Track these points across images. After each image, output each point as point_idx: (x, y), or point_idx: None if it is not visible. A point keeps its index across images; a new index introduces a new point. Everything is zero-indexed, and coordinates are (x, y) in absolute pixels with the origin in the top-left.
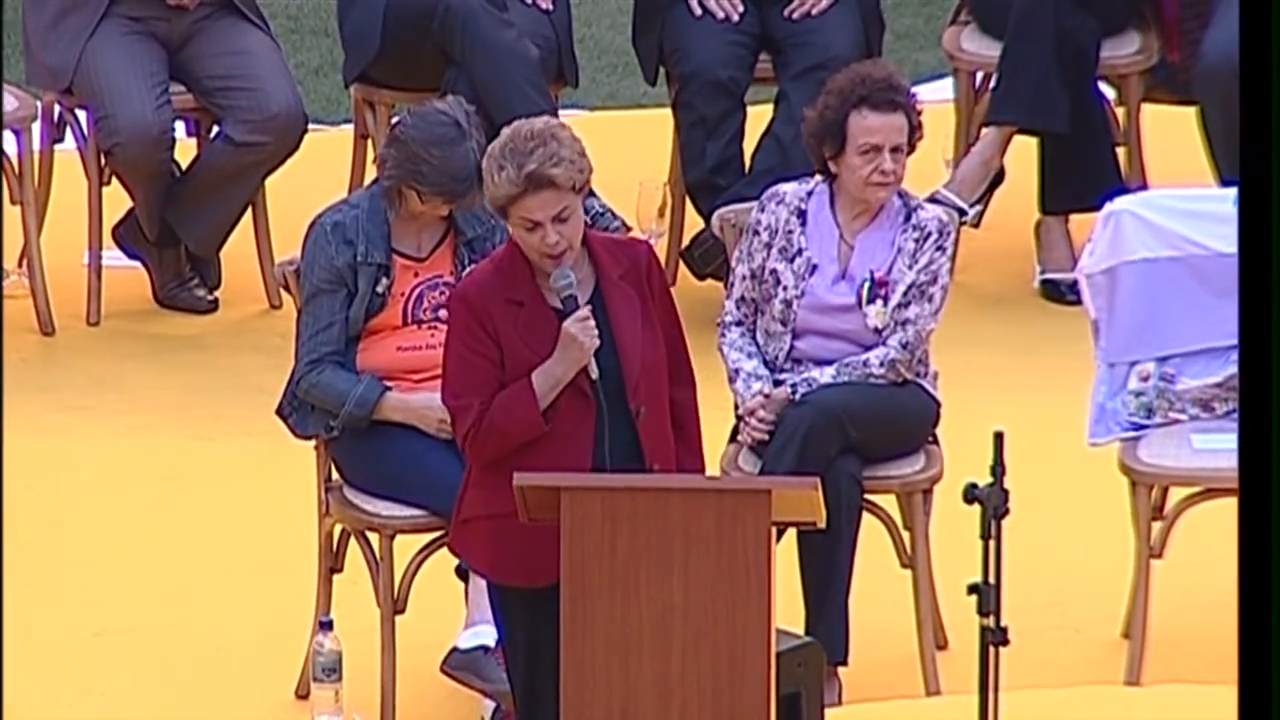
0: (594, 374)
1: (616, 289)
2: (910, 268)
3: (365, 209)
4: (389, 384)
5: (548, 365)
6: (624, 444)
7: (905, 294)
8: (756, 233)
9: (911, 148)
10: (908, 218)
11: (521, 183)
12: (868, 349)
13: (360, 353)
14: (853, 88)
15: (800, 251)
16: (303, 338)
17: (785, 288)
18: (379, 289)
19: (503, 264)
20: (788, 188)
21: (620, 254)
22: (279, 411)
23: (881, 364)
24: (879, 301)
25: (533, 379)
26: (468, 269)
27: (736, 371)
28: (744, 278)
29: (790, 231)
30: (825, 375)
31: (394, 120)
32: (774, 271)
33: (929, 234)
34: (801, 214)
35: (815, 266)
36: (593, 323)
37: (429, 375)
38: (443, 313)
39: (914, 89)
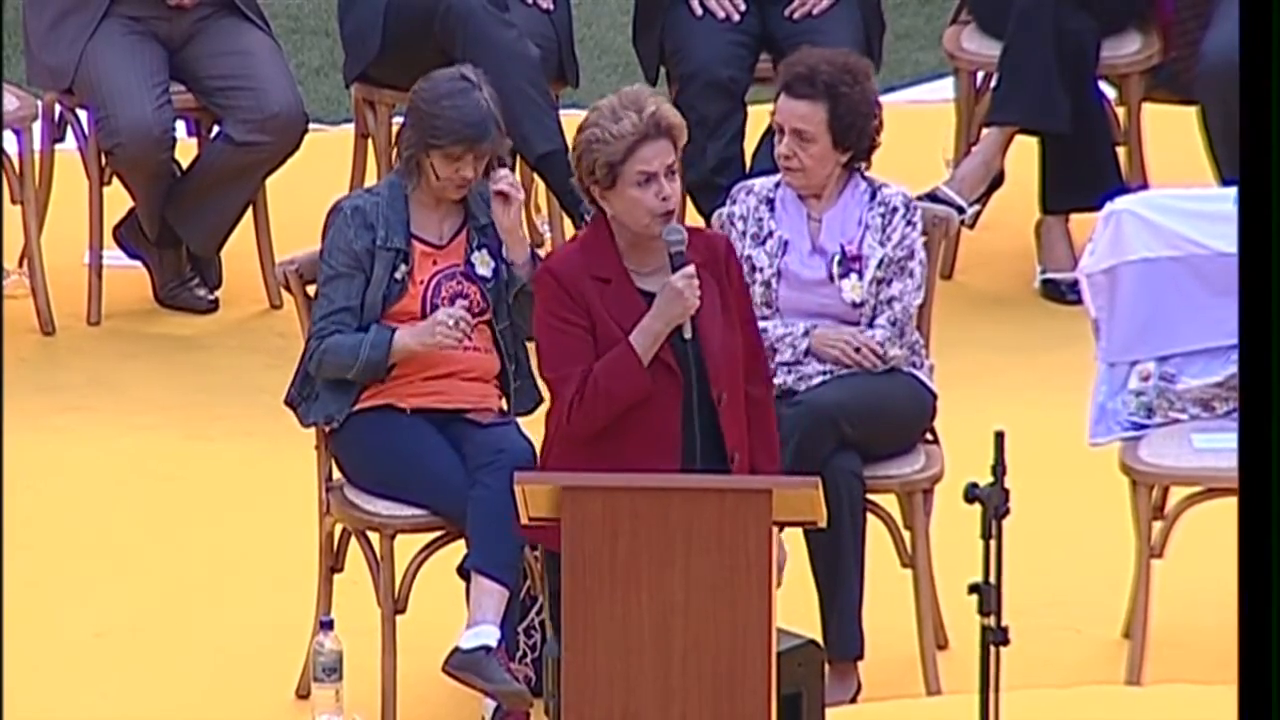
0: (687, 334)
1: (698, 275)
2: (881, 244)
3: (386, 195)
4: (398, 377)
5: (645, 322)
6: (708, 429)
7: (884, 270)
8: (733, 224)
9: (835, 140)
10: (873, 196)
11: (645, 126)
12: (854, 325)
13: None
14: (785, 71)
15: (771, 233)
16: (314, 318)
17: (761, 270)
18: (397, 275)
19: (589, 242)
20: (756, 181)
21: (700, 243)
22: (288, 401)
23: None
24: (853, 275)
25: (631, 339)
26: (474, 254)
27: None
28: None
29: (760, 218)
30: (814, 366)
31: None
32: (749, 258)
33: (895, 209)
34: (770, 202)
35: (786, 243)
36: (696, 281)
37: (439, 375)
38: (460, 302)
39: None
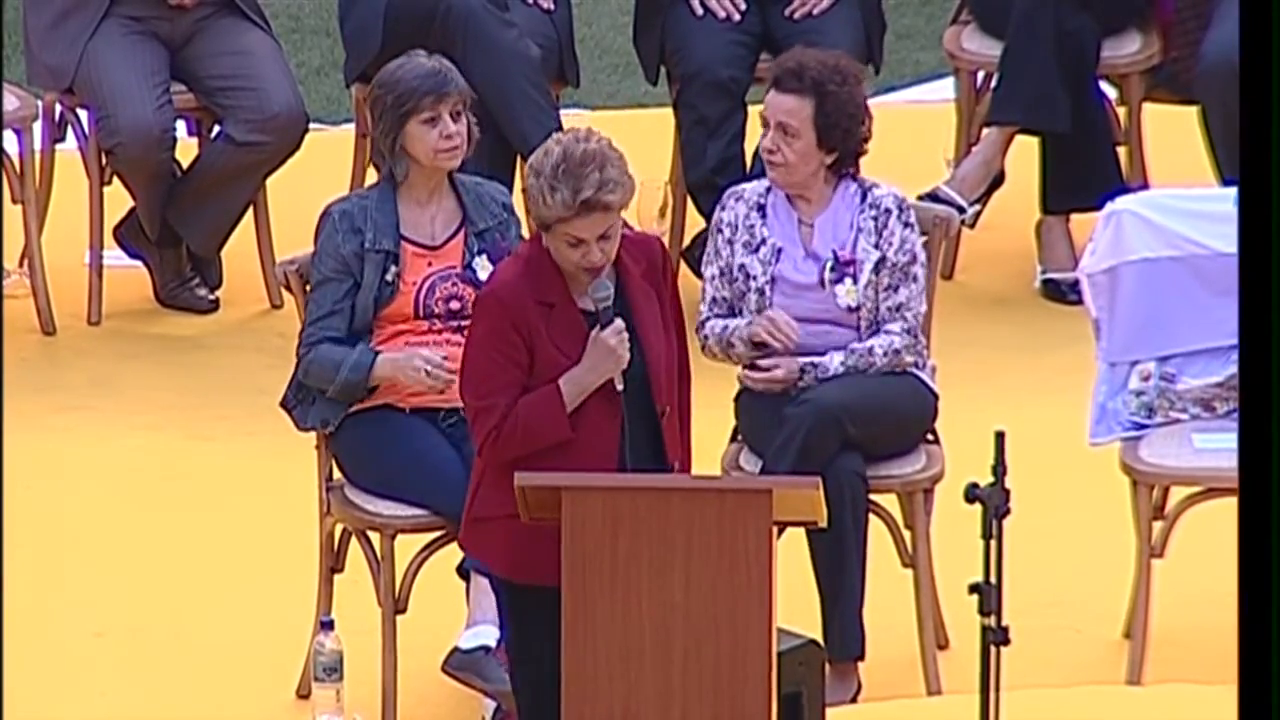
0: (619, 386)
1: (639, 289)
2: (877, 246)
3: (375, 198)
4: (396, 377)
5: (577, 373)
6: (648, 444)
7: (890, 275)
8: (720, 231)
9: (819, 137)
10: (863, 198)
11: (576, 208)
12: (851, 329)
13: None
14: (775, 67)
15: (764, 241)
16: (304, 325)
17: (754, 277)
18: (388, 277)
19: (531, 265)
20: (746, 186)
21: (639, 252)
22: (283, 404)
23: (885, 353)
24: (847, 280)
25: (560, 385)
26: (474, 259)
27: (734, 330)
28: (714, 278)
29: (751, 225)
30: (835, 360)
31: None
32: (742, 266)
33: (887, 210)
34: (761, 208)
35: (780, 250)
36: (626, 335)
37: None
38: (454, 305)
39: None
